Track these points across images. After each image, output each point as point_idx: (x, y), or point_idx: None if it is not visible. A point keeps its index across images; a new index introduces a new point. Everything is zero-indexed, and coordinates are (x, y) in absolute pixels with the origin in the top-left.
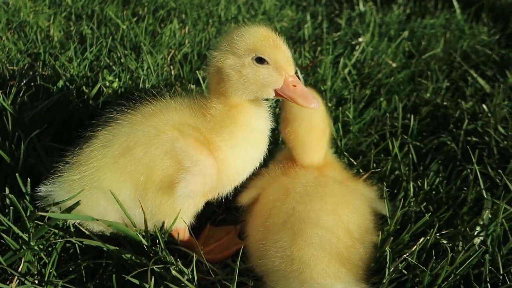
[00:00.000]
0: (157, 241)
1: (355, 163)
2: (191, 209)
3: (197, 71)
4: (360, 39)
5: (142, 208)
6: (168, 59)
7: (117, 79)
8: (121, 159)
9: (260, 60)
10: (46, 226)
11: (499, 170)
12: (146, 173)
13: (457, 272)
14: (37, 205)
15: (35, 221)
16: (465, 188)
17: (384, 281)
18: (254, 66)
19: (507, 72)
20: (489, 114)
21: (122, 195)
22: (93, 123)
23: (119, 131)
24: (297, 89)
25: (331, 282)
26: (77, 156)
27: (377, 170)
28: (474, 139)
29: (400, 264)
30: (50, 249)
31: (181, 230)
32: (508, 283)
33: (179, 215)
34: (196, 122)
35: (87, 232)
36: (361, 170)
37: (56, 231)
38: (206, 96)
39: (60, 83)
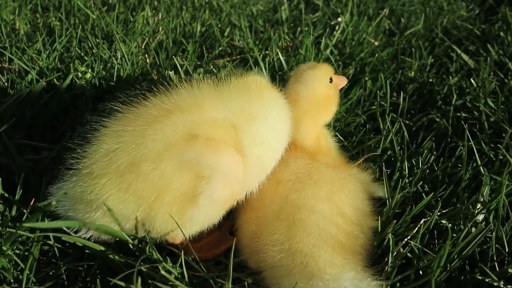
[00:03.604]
0: (145, 239)
1: (346, 144)
2: (208, 221)
3: (173, 57)
4: (339, 19)
5: (136, 219)
6: (143, 47)
7: (90, 70)
8: (126, 175)
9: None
10: (17, 231)
11: (492, 145)
12: (156, 193)
13: (464, 252)
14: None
15: (10, 225)
16: (460, 165)
17: (387, 268)
18: None
19: (489, 46)
20: (477, 89)
21: (127, 213)
22: (93, 114)
23: (124, 138)
24: None
25: (340, 271)
26: (80, 162)
27: (375, 153)
28: (464, 114)
29: (402, 249)
30: (27, 253)
31: (180, 240)
32: None
33: (191, 229)
34: (224, 112)
35: (71, 233)
36: (352, 152)
37: (32, 235)
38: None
39: (29, 77)
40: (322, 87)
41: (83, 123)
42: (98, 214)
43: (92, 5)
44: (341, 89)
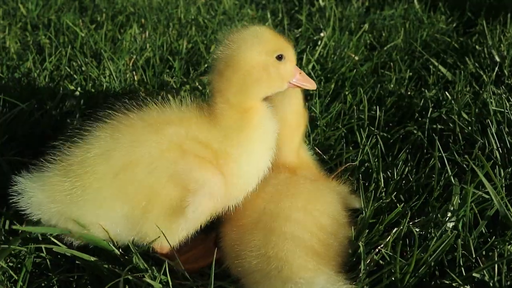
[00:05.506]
0: (131, 249)
1: (325, 157)
2: (192, 230)
3: (161, 76)
4: (322, 34)
5: None
6: (130, 64)
7: (79, 88)
8: (120, 174)
9: (280, 57)
10: (10, 246)
11: (466, 155)
12: (148, 196)
13: (431, 259)
14: (12, 202)
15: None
16: (434, 176)
17: (360, 274)
18: (276, 63)
19: (467, 58)
20: (452, 101)
21: (117, 213)
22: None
23: (119, 140)
24: (304, 76)
25: (313, 275)
26: (68, 158)
27: (352, 163)
28: (439, 126)
29: (375, 256)
30: (20, 265)
31: (165, 248)
32: (481, 265)
33: (179, 236)
34: (205, 135)
35: (60, 244)
36: (331, 164)
37: (25, 248)
38: (211, 103)
39: (21, 95)
40: (299, 109)
41: (72, 127)
42: (86, 209)
43: (81, 23)
44: (321, 104)
